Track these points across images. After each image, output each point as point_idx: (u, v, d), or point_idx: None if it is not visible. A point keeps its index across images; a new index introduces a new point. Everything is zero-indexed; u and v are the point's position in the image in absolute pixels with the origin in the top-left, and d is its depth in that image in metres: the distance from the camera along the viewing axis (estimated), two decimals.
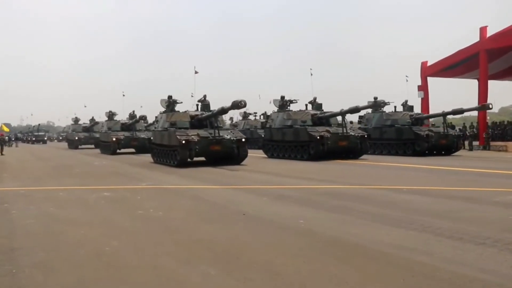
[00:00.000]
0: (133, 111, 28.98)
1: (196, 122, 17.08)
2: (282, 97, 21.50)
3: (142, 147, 25.43)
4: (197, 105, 18.35)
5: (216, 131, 15.84)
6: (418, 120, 22.01)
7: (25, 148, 40.70)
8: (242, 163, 16.37)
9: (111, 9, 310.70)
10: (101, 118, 37.99)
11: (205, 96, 18.46)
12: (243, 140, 16.16)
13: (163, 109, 18.60)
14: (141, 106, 27.98)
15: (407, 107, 23.12)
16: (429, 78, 32.44)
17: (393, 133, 21.39)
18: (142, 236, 5.41)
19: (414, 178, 11.51)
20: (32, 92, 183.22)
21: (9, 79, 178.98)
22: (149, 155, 19.55)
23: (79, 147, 35.91)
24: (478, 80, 29.80)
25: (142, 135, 26.40)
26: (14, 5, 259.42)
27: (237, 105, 14.48)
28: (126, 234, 5.51)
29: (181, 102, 18.69)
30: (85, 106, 55.24)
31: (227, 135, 16.05)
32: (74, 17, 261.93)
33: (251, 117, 35.53)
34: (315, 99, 21.15)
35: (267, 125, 21.52)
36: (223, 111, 15.98)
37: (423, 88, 31.81)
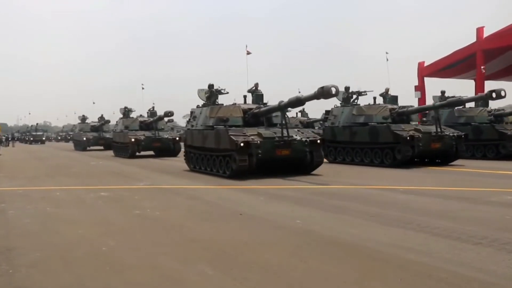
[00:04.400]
0: (153, 107, 24.76)
1: (250, 118, 13.02)
2: (347, 88, 17.12)
3: (165, 149, 21.96)
4: (245, 96, 14.19)
5: (284, 130, 11.73)
6: (498, 117, 18.50)
7: (23, 148, 40.42)
8: (314, 172, 12.38)
9: (109, 6, 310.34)
10: (107, 117, 35.14)
11: (256, 85, 14.43)
12: (319, 141, 12.18)
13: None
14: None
15: (481, 102, 19.24)
16: (426, 78, 32.55)
17: (469, 133, 17.39)
18: (140, 235, 5.40)
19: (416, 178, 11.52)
20: (29, 92, 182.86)
21: (6, 78, 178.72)
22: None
23: (87, 148, 31.23)
24: (475, 81, 29.94)
25: (166, 135, 22.36)
26: (10, 1, 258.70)
27: (328, 92, 10.09)
28: (124, 233, 5.51)
29: (227, 93, 14.17)
30: (93, 103, 54.04)
31: (295, 135, 12.11)
32: (73, 15, 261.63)
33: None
34: (387, 90, 17.37)
35: (329, 123, 17.46)
36: (299, 101, 11.57)
37: (420, 88, 31.88)
